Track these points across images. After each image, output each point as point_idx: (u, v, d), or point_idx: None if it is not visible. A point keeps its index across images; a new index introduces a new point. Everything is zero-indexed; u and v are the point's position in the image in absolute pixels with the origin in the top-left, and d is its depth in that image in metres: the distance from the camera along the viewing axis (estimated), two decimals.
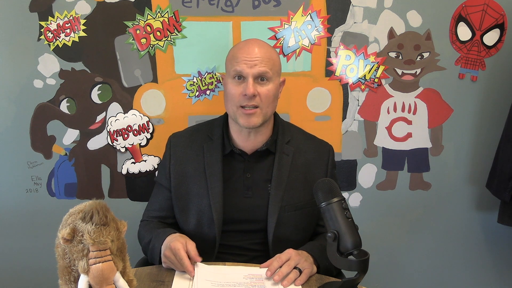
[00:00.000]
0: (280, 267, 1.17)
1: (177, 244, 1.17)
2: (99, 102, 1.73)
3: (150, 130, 1.76)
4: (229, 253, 1.35)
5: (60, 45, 1.68)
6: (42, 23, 1.66)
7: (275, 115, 1.42)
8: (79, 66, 1.70)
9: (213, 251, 1.33)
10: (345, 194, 1.83)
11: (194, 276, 1.14)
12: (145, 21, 1.68)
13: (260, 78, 1.29)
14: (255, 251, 1.36)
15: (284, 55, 1.72)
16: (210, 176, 1.34)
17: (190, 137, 1.42)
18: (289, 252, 1.21)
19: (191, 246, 1.18)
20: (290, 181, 1.36)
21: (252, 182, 1.36)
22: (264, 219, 1.34)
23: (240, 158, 1.37)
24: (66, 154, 1.76)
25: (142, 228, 1.41)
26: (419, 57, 1.76)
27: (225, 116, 1.42)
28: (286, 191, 1.34)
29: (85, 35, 1.68)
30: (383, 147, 1.82)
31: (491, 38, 1.75)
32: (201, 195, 1.34)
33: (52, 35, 1.67)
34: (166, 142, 1.44)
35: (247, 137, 1.35)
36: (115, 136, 1.75)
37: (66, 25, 1.67)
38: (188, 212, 1.36)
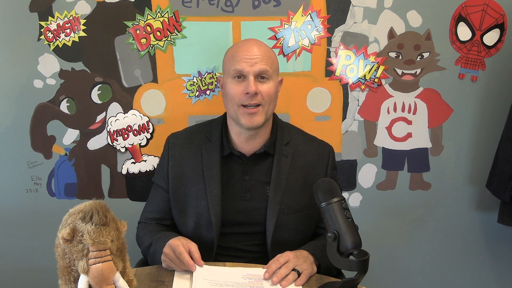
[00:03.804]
0: (279, 268, 1.18)
1: (177, 241, 1.17)
2: (99, 102, 1.73)
3: (150, 130, 1.76)
4: (228, 255, 1.35)
5: (60, 45, 1.68)
6: (42, 23, 1.66)
7: (274, 116, 1.41)
8: (79, 66, 1.70)
9: (211, 253, 1.33)
10: (345, 194, 1.83)
11: (194, 272, 1.14)
12: (145, 21, 1.68)
13: (261, 76, 1.29)
14: (253, 253, 1.35)
15: (284, 55, 1.72)
16: (208, 178, 1.33)
17: (189, 138, 1.41)
18: (287, 255, 1.21)
19: (194, 247, 1.18)
20: (289, 183, 1.35)
21: (251, 184, 1.35)
22: (262, 222, 1.33)
23: (238, 160, 1.36)
24: (66, 154, 1.76)
25: (141, 231, 1.40)
26: (419, 57, 1.76)
27: (224, 116, 1.41)
28: (285, 193, 1.34)
29: (85, 35, 1.68)
30: (383, 147, 1.82)
31: (491, 38, 1.75)
32: (200, 197, 1.34)
33: (52, 35, 1.67)
34: (164, 142, 1.44)
35: (246, 139, 1.35)
36: (115, 136, 1.75)
37: (66, 25, 1.67)
38: (187, 214, 1.36)
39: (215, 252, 1.33)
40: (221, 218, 1.32)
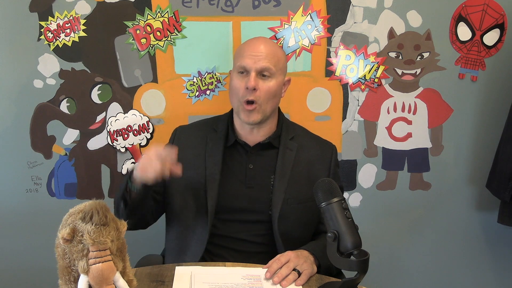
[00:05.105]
0: (280, 268, 1.18)
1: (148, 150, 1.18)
2: (99, 102, 1.73)
3: (150, 130, 1.76)
4: (229, 248, 1.35)
5: (60, 45, 1.68)
6: (42, 23, 1.66)
7: (280, 112, 1.43)
8: (79, 66, 1.70)
9: (204, 239, 1.32)
10: (345, 194, 1.83)
11: (193, 276, 1.14)
12: (145, 21, 1.67)
13: (263, 73, 1.31)
14: (257, 245, 1.36)
15: None
16: (209, 164, 1.36)
17: (195, 129, 1.45)
18: (288, 254, 1.21)
19: (161, 149, 1.17)
20: (293, 175, 1.36)
21: (255, 173, 1.37)
22: (265, 211, 1.34)
23: (242, 150, 1.38)
24: (66, 154, 1.76)
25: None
26: (419, 57, 1.76)
27: (231, 112, 1.44)
28: (289, 184, 1.35)
29: (85, 35, 1.68)
30: (383, 147, 1.82)
31: (491, 38, 1.75)
32: (199, 182, 1.35)
33: (52, 35, 1.67)
34: (171, 135, 1.45)
35: (250, 130, 1.38)
36: (115, 136, 1.75)
37: (66, 25, 1.67)
38: (185, 198, 1.37)
39: (207, 237, 1.32)
40: (217, 203, 1.33)
